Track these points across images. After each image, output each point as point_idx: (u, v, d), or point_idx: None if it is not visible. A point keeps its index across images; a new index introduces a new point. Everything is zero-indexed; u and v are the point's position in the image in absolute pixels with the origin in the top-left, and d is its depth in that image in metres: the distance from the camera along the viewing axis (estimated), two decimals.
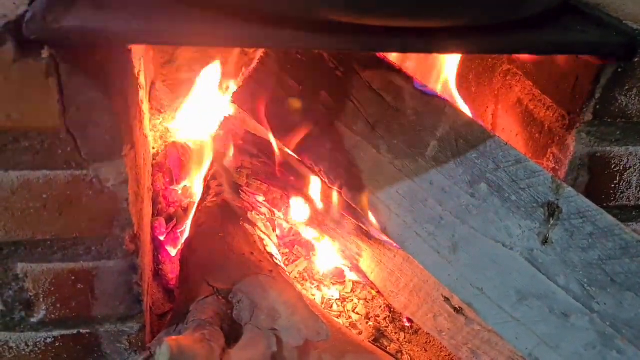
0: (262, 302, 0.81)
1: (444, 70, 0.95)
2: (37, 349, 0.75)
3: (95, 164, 0.65)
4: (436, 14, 0.62)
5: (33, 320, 0.73)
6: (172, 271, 1.02)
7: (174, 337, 0.72)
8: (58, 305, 0.73)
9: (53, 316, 0.73)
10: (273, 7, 0.59)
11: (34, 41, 0.56)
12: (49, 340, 0.75)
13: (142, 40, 0.67)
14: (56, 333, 0.75)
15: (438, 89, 0.95)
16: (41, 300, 0.72)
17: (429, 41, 0.64)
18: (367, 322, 1.04)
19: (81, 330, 0.75)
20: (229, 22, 0.60)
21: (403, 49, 0.72)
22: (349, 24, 0.59)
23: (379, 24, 0.60)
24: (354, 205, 0.87)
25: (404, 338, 1.02)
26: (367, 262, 1.00)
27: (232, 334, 0.78)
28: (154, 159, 1.19)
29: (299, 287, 0.95)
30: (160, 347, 0.65)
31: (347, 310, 1.06)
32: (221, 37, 0.62)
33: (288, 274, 0.97)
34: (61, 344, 0.76)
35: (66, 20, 0.56)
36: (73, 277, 0.71)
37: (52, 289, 0.71)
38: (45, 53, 0.58)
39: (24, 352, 0.75)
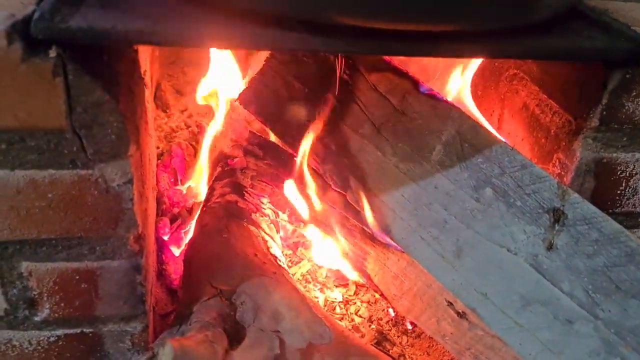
0: (265, 304, 0.81)
1: (462, 74, 0.95)
2: (40, 347, 0.75)
3: (100, 163, 0.65)
4: (444, 18, 0.61)
5: (36, 319, 0.73)
6: (175, 271, 1.02)
7: (177, 338, 0.72)
8: (62, 304, 0.73)
9: (56, 315, 0.73)
10: (280, 9, 0.59)
11: (41, 41, 0.56)
12: (52, 339, 0.75)
13: (149, 41, 0.67)
14: (59, 332, 0.75)
15: (453, 92, 0.94)
16: (45, 299, 0.72)
17: (437, 45, 0.64)
18: (369, 325, 1.03)
19: (84, 330, 0.75)
20: (236, 23, 0.60)
21: (410, 53, 0.72)
22: (356, 27, 0.59)
23: (386, 27, 0.60)
24: (358, 208, 0.86)
25: (407, 341, 1.01)
26: (371, 265, 0.99)
27: (235, 335, 0.77)
28: (158, 159, 1.20)
29: (302, 289, 0.94)
30: (164, 348, 0.66)
31: (350, 313, 1.06)
32: (228, 39, 0.62)
33: (291, 276, 0.97)
34: (64, 343, 0.76)
35: (74, 20, 0.56)
36: (77, 277, 0.71)
37: (56, 288, 0.71)
38: (52, 53, 0.57)
39: (27, 351, 0.75)
